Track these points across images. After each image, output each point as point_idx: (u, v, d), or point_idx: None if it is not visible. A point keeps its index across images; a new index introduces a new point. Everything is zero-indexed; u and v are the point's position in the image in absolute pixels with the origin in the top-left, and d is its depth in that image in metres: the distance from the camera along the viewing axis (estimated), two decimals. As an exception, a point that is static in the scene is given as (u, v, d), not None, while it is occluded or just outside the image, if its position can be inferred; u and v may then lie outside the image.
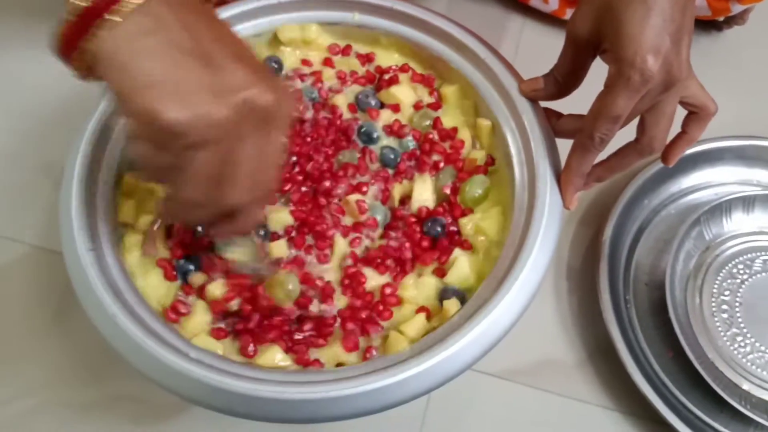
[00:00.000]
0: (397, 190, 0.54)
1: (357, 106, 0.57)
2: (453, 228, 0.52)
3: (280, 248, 0.51)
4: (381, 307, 0.49)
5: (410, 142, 0.56)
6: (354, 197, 0.53)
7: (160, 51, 0.36)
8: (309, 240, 0.52)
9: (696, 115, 0.50)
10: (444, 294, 0.49)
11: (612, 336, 0.59)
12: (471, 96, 0.56)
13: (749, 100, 0.76)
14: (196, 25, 0.37)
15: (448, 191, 0.54)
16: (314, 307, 0.49)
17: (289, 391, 0.41)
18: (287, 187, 0.53)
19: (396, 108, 0.57)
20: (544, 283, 0.47)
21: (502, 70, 0.54)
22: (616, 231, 0.64)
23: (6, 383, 0.59)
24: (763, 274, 0.65)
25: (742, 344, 0.62)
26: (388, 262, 0.51)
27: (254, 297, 0.48)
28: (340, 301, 0.50)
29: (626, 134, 0.48)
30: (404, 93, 0.57)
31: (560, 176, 0.50)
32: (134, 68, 0.35)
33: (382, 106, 0.57)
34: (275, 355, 0.46)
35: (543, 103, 0.53)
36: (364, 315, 0.48)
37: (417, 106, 0.57)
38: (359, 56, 0.60)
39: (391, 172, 0.55)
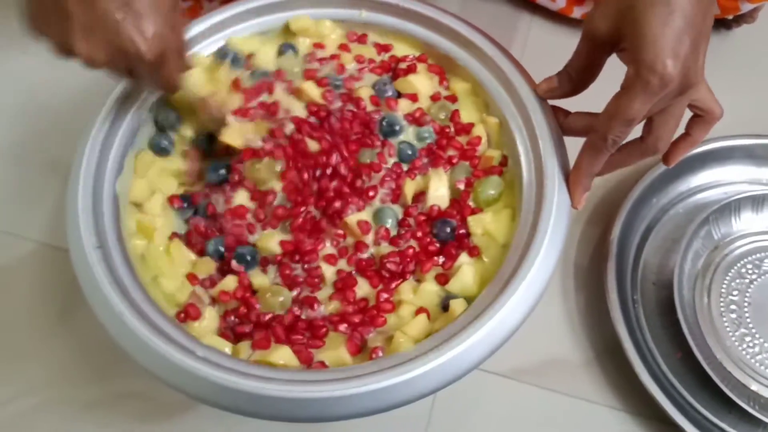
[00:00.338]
0: (410, 187, 0.53)
1: (377, 95, 0.57)
2: (462, 231, 0.51)
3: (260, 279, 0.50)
4: (375, 312, 0.48)
5: (429, 133, 0.55)
6: (354, 218, 0.51)
7: None
8: (297, 271, 0.51)
9: (701, 118, 0.49)
10: (446, 302, 0.49)
11: (619, 336, 0.59)
12: (480, 93, 0.56)
13: (758, 98, 0.76)
14: None
15: (461, 186, 0.53)
16: (302, 314, 0.49)
17: (296, 390, 0.41)
18: (295, 211, 0.52)
19: (414, 98, 0.56)
20: (552, 282, 0.47)
21: (510, 68, 0.54)
22: (624, 230, 0.64)
23: (11, 380, 0.60)
24: (772, 273, 0.65)
25: (751, 345, 0.61)
26: (384, 272, 0.50)
27: (248, 304, 0.49)
28: (330, 305, 0.49)
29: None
30: (422, 83, 0.56)
31: (569, 176, 0.50)
32: None
33: (399, 95, 0.57)
34: (283, 355, 0.46)
35: (551, 101, 0.53)
36: (356, 319, 0.48)
37: (434, 98, 0.57)
38: (377, 45, 0.59)
39: (405, 167, 0.54)
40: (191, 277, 0.50)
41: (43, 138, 0.70)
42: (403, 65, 0.58)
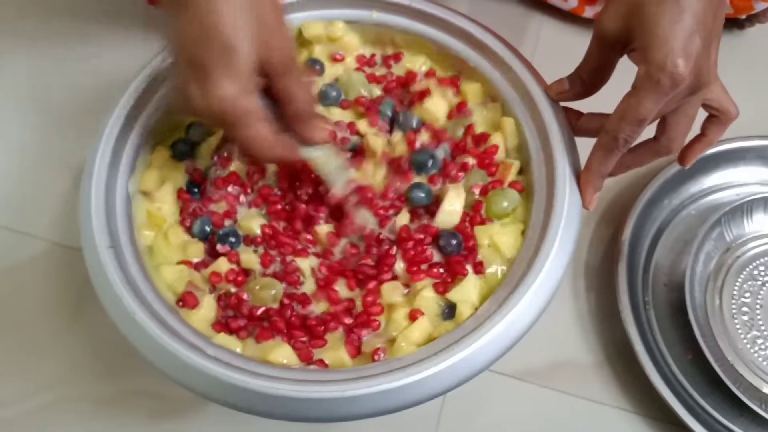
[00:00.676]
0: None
1: (400, 127, 0.56)
2: (470, 242, 0.51)
3: (250, 259, 0.51)
4: (365, 316, 0.49)
5: (445, 150, 0.55)
6: (325, 228, 0.52)
7: None
8: (276, 265, 0.51)
9: (717, 118, 0.49)
10: (446, 310, 0.48)
11: (630, 337, 0.59)
12: (491, 92, 0.56)
13: (772, 99, 0.75)
14: None
15: (476, 192, 0.53)
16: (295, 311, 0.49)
17: (306, 390, 0.41)
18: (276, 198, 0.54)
19: (434, 131, 0.56)
20: (562, 283, 0.47)
21: (521, 69, 0.54)
22: (635, 231, 0.64)
23: (25, 378, 0.60)
24: (785, 276, 0.64)
25: (763, 347, 0.61)
26: (359, 275, 0.50)
27: (239, 286, 0.50)
28: (320, 305, 0.50)
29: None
30: (437, 105, 0.56)
31: (580, 176, 0.49)
32: None
33: (423, 123, 0.56)
34: (283, 353, 0.46)
35: (563, 103, 0.53)
36: (347, 320, 0.48)
37: (449, 115, 0.57)
38: (385, 58, 0.60)
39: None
40: (185, 262, 0.50)
41: (56, 138, 0.71)
42: (413, 87, 0.57)
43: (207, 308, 0.48)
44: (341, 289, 0.50)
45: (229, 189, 0.53)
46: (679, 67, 0.41)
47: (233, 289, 0.50)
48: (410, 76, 0.58)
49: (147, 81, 0.53)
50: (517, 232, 0.51)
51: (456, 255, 0.50)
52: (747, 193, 0.66)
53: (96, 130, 0.51)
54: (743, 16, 0.78)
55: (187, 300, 0.48)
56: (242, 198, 0.53)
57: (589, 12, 0.78)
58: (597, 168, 0.48)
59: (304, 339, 0.48)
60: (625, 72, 0.46)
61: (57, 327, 0.62)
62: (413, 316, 0.48)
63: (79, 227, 0.47)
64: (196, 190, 0.54)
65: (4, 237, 0.66)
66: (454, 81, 0.58)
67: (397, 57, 0.59)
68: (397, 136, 0.55)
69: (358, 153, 0.55)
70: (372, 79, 0.59)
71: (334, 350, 0.47)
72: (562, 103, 0.53)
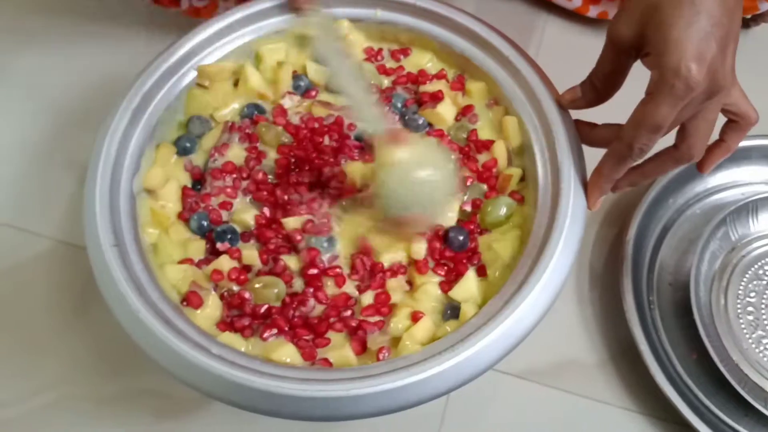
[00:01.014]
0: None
1: (406, 125, 0.56)
2: (472, 244, 0.51)
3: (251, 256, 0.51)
4: (363, 315, 0.49)
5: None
6: (300, 220, 0.52)
7: None
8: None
9: (736, 123, 0.48)
10: (448, 311, 0.49)
11: (635, 337, 0.58)
12: (495, 92, 0.56)
13: (777, 98, 0.75)
14: None
15: (468, 208, 0.53)
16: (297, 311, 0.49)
17: (311, 389, 0.41)
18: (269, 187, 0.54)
19: (441, 133, 0.56)
20: (567, 283, 0.47)
21: (526, 68, 0.54)
22: (640, 231, 0.63)
23: (29, 377, 0.60)
24: (790, 275, 0.64)
25: (768, 347, 0.61)
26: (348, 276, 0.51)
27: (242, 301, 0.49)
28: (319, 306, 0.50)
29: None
30: (447, 109, 0.56)
31: (588, 178, 0.49)
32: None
33: (429, 125, 0.56)
34: (287, 352, 0.46)
35: (575, 114, 0.52)
36: (351, 320, 0.48)
37: (456, 118, 0.57)
38: (393, 53, 0.59)
39: None
40: (187, 260, 0.50)
41: (60, 136, 0.71)
42: (422, 88, 0.57)
43: (212, 307, 0.48)
44: (349, 288, 0.50)
45: (226, 180, 0.53)
46: (693, 70, 0.40)
47: (236, 288, 0.50)
48: (421, 74, 0.58)
49: (151, 79, 0.53)
50: (516, 239, 0.51)
51: (462, 252, 0.51)
52: (752, 193, 0.66)
53: (100, 129, 0.51)
54: (749, 16, 0.78)
55: (191, 299, 0.48)
56: (240, 183, 0.53)
57: (593, 11, 0.77)
58: (608, 173, 0.47)
59: (308, 338, 0.48)
60: (639, 79, 0.45)
61: (61, 325, 0.62)
62: (416, 317, 0.48)
63: (83, 226, 0.47)
64: (199, 187, 0.54)
65: (9, 235, 0.66)
66: (461, 81, 0.58)
67: (405, 52, 0.59)
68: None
69: (366, 148, 0.55)
70: (382, 70, 0.59)
71: (339, 348, 0.47)
72: (575, 114, 0.52)
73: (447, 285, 0.50)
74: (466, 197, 0.53)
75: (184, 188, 0.53)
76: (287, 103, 0.57)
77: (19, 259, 0.65)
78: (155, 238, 0.51)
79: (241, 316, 0.48)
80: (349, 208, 0.52)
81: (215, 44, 0.56)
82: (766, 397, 0.58)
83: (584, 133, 0.51)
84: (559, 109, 0.51)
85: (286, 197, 0.52)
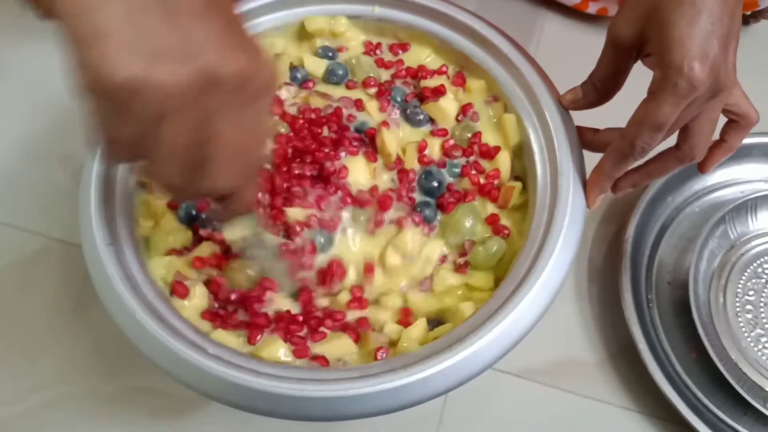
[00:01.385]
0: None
1: (407, 120, 0.56)
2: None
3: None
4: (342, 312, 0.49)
5: (457, 169, 0.54)
6: (305, 212, 0.50)
7: None
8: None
9: (737, 123, 0.48)
10: (434, 326, 0.49)
11: (634, 336, 0.58)
12: (494, 89, 0.56)
13: (776, 95, 0.75)
14: None
15: (453, 258, 0.52)
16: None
17: (309, 389, 0.41)
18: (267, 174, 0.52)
19: (444, 133, 0.55)
20: (565, 281, 0.47)
21: (525, 65, 0.53)
22: (638, 229, 0.63)
23: (26, 376, 0.60)
24: (789, 274, 0.64)
25: (767, 345, 0.61)
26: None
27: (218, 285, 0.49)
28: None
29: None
30: (450, 105, 0.55)
31: (588, 176, 0.49)
32: (88, 14, 0.29)
33: (431, 120, 0.56)
34: (278, 350, 0.46)
35: (578, 118, 0.52)
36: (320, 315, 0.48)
37: (457, 118, 0.56)
38: (392, 46, 0.59)
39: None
40: (173, 251, 0.50)
41: (57, 134, 0.70)
42: (423, 82, 0.57)
43: (199, 297, 0.48)
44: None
45: None
46: (696, 69, 0.40)
47: (215, 273, 0.49)
48: (422, 69, 0.58)
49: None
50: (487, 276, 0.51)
51: (441, 196, 0.52)
52: (751, 191, 0.66)
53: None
54: (748, 12, 0.77)
55: (177, 289, 0.47)
56: None
57: (592, 8, 0.77)
58: (608, 171, 0.47)
59: (302, 333, 0.47)
60: (640, 78, 0.45)
61: (58, 324, 0.62)
62: (406, 321, 0.48)
63: (78, 225, 0.47)
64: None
65: (5, 233, 0.66)
66: (462, 77, 0.57)
67: (403, 47, 0.59)
68: (406, 130, 0.55)
69: (370, 145, 0.54)
70: (380, 64, 0.58)
71: (337, 339, 0.47)
72: (578, 116, 0.52)
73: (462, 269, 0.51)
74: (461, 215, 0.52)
75: None
76: (284, 93, 0.56)
77: (17, 257, 0.65)
78: (148, 230, 0.51)
79: (224, 306, 0.48)
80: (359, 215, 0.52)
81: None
82: (764, 396, 0.58)
83: (587, 138, 0.51)
84: (559, 107, 0.51)
85: (285, 185, 0.51)
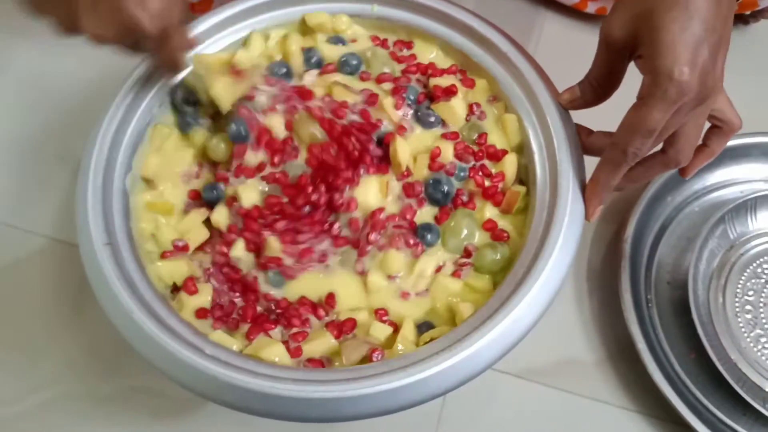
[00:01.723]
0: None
1: (418, 120, 0.54)
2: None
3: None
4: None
5: (464, 172, 0.53)
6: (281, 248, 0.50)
7: None
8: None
9: (720, 129, 0.48)
10: (424, 328, 0.48)
11: (633, 336, 0.58)
12: (494, 89, 0.55)
13: (776, 95, 0.74)
14: None
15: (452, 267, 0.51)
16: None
17: (307, 390, 0.41)
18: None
19: (455, 136, 0.54)
20: (565, 282, 0.46)
21: (525, 65, 0.53)
22: (638, 229, 0.63)
23: (23, 376, 0.60)
24: (789, 274, 0.64)
25: (766, 345, 0.61)
26: None
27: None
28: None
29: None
30: (459, 104, 0.55)
31: (585, 188, 0.49)
32: None
33: (442, 122, 0.55)
34: (274, 350, 0.45)
35: (576, 117, 0.52)
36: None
37: (466, 118, 0.55)
38: (396, 44, 0.59)
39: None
40: (167, 253, 0.50)
41: (53, 132, 0.70)
42: (439, 81, 0.55)
43: (204, 294, 0.48)
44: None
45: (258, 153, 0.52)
46: (685, 75, 0.40)
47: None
48: (431, 67, 0.57)
49: (144, 76, 0.52)
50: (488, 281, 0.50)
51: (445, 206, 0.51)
52: (751, 191, 0.65)
53: (92, 125, 0.50)
54: (748, 12, 0.77)
55: (187, 286, 0.48)
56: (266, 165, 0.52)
57: (591, 7, 0.77)
58: (604, 181, 0.47)
59: (296, 330, 0.47)
60: (639, 77, 0.45)
61: (55, 324, 0.62)
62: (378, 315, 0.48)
63: (76, 225, 0.47)
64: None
65: (3, 233, 0.65)
66: (469, 78, 0.56)
67: (408, 45, 0.59)
68: (417, 132, 0.54)
69: (384, 157, 0.53)
70: (393, 57, 0.58)
71: (320, 338, 0.47)
72: (575, 115, 0.52)
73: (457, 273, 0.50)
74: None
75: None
76: (308, 79, 0.55)
77: (14, 257, 0.64)
78: (153, 228, 0.51)
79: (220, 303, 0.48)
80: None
81: (213, 37, 0.56)
82: (764, 396, 0.58)
83: (581, 140, 0.51)
84: (558, 107, 0.51)
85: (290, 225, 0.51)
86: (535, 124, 0.52)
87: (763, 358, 0.60)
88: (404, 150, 0.52)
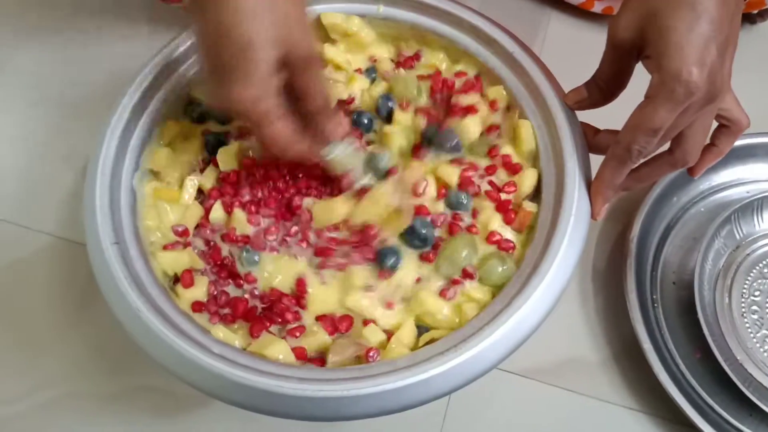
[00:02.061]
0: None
1: (428, 142, 0.54)
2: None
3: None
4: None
5: (465, 204, 0.52)
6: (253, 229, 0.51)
7: None
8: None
9: (727, 128, 0.48)
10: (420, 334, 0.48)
11: (638, 336, 0.58)
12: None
13: (783, 95, 0.74)
14: None
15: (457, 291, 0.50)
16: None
17: (312, 389, 0.41)
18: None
19: (474, 166, 0.53)
20: (570, 281, 0.46)
21: (531, 65, 0.53)
22: (643, 228, 0.63)
23: (29, 374, 0.60)
24: (795, 274, 0.64)
25: (773, 346, 0.61)
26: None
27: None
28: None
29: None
30: (474, 124, 0.53)
31: (590, 186, 0.49)
32: None
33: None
34: (278, 349, 0.45)
35: (582, 116, 0.52)
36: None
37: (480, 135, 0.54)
38: (407, 61, 0.58)
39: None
40: (169, 246, 0.50)
41: (59, 131, 0.70)
42: (455, 99, 0.55)
43: (199, 287, 0.48)
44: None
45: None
46: (694, 75, 0.40)
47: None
48: (451, 85, 0.56)
49: (152, 75, 0.52)
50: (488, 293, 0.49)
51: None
52: (757, 191, 0.65)
53: (100, 125, 0.50)
54: (755, 11, 0.77)
55: (184, 279, 0.48)
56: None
57: (597, 6, 0.77)
58: (609, 179, 0.47)
59: (295, 326, 0.47)
60: (646, 77, 0.45)
61: (61, 323, 0.62)
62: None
63: (83, 224, 0.47)
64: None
65: (9, 231, 0.66)
66: (494, 100, 0.55)
67: (416, 56, 0.59)
68: (429, 156, 0.53)
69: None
70: (418, 77, 0.57)
71: (313, 335, 0.47)
72: (581, 114, 0.51)
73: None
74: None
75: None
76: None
77: (20, 255, 0.65)
78: (157, 221, 0.51)
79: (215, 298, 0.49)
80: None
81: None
82: (770, 397, 0.58)
83: (587, 139, 0.51)
84: (564, 107, 0.51)
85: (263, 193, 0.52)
86: (541, 124, 0.52)
87: (770, 358, 0.60)
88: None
